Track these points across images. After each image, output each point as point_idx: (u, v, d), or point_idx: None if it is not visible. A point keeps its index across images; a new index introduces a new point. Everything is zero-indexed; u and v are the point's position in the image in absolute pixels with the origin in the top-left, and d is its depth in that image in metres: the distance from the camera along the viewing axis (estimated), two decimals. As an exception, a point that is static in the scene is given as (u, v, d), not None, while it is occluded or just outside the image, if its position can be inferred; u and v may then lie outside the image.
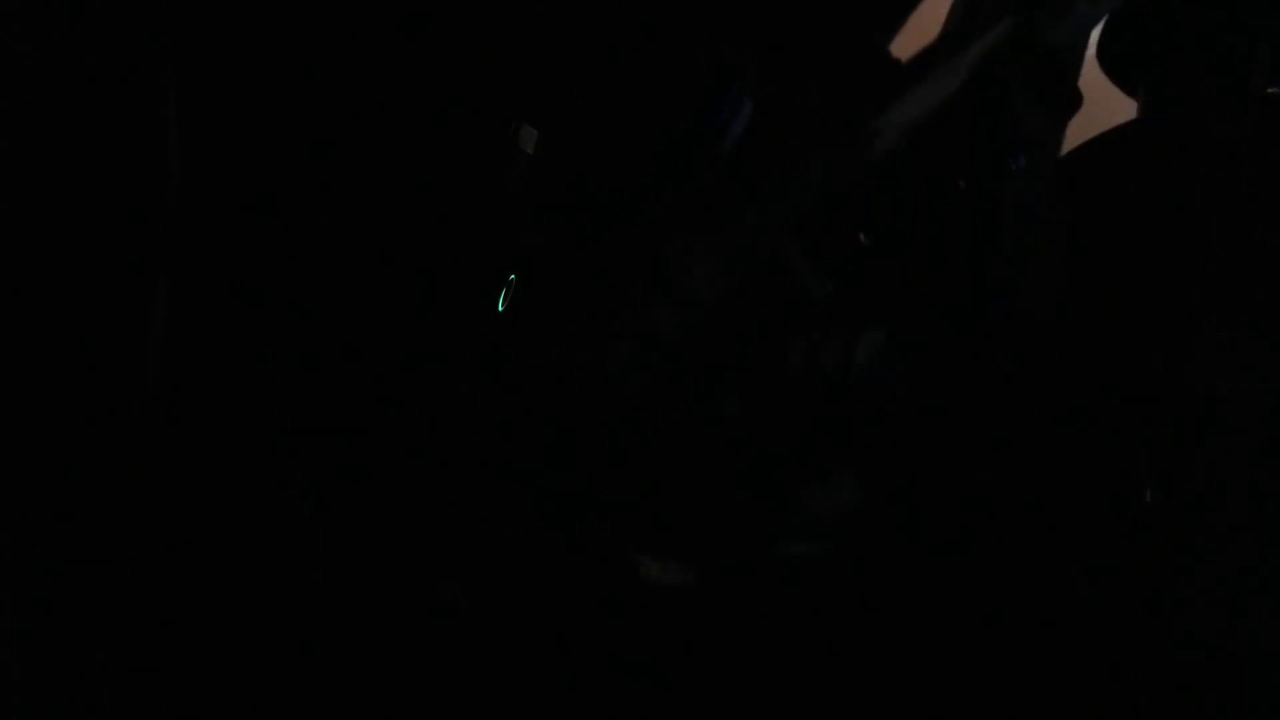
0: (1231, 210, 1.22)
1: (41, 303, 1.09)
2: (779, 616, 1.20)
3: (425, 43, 1.20)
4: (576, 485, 1.19)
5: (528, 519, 1.19)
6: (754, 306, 1.21)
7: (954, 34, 1.28)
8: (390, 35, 1.20)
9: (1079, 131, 1.34)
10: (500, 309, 1.21)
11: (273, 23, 1.17)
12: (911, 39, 1.31)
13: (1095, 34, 1.42)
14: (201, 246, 1.15)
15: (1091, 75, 1.40)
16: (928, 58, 1.25)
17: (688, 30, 1.23)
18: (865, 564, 1.20)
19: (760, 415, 1.18)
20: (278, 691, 1.16)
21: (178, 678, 1.14)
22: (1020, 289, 1.23)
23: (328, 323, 1.20)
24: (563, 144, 1.23)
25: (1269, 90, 1.33)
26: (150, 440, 1.14)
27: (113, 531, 1.12)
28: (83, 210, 1.08)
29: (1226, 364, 1.18)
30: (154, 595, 1.14)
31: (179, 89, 1.11)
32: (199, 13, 1.14)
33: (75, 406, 1.10)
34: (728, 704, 1.19)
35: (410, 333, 1.21)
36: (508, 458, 1.19)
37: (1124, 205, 1.28)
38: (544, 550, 1.19)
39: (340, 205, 1.20)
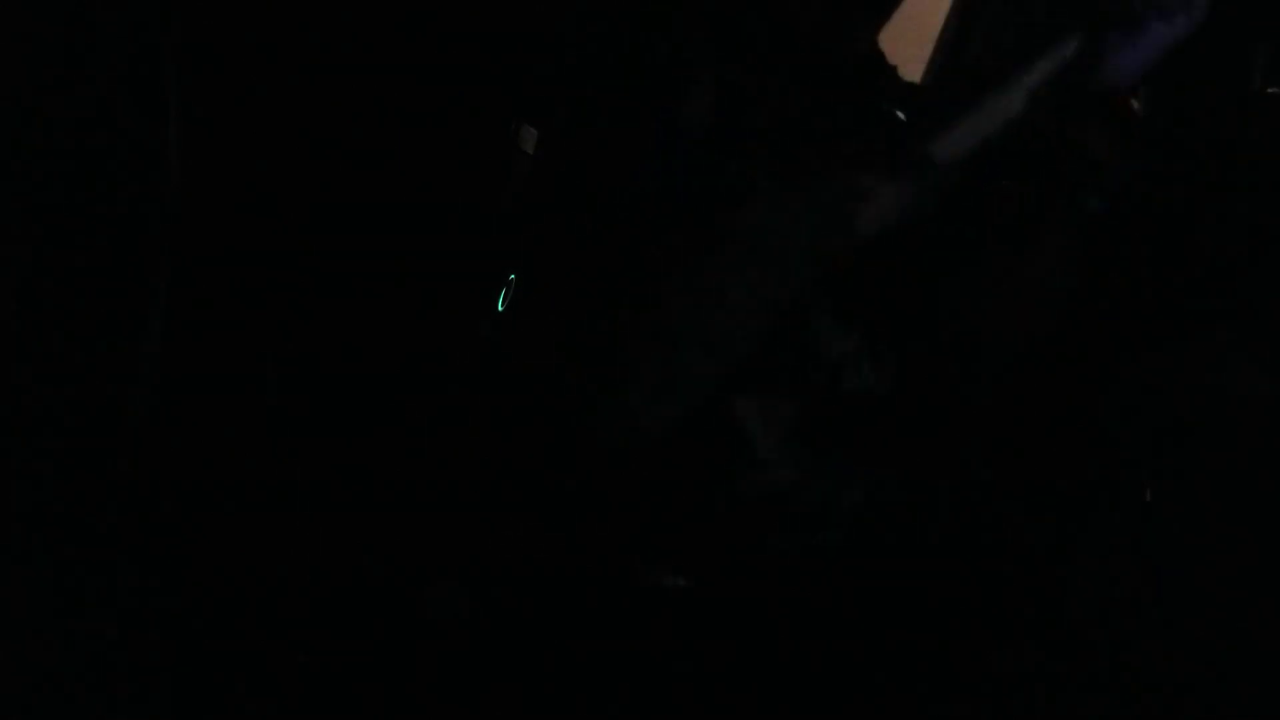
0: (1231, 210, 1.22)
1: (42, 303, 1.09)
2: (779, 616, 1.20)
3: (425, 43, 1.20)
4: (576, 485, 1.19)
5: (528, 519, 1.19)
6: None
7: (1007, 55, 1.17)
8: (390, 35, 1.20)
9: (1078, 131, 1.33)
10: (500, 309, 1.21)
11: (273, 23, 1.17)
12: (898, 31, 1.27)
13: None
14: (201, 246, 1.15)
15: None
16: (977, 82, 1.16)
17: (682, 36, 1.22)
18: (864, 564, 1.20)
19: (754, 412, 1.18)
20: (277, 691, 1.16)
21: (177, 677, 1.14)
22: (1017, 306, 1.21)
23: (327, 322, 1.21)
24: (562, 144, 1.23)
25: (1269, 90, 1.33)
26: (150, 440, 1.14)
27: (112, 531, 1.13)
28: (83, 210, 1.08)
29: (1227, 364, 1.18)
30: (154, 595, 1.14)
31: (179, 89, 1.11)
32: (199, 13, 1.14)
33: (75, 406, 1.10)
34: (728, 704, 1.19)
35: (410, 332, 1.21)
36: (508, 458, 1.19)
37: (1124, 205, 1.28)
38: (544, 550, 1.19)
39: (340, 205, 1.20)
